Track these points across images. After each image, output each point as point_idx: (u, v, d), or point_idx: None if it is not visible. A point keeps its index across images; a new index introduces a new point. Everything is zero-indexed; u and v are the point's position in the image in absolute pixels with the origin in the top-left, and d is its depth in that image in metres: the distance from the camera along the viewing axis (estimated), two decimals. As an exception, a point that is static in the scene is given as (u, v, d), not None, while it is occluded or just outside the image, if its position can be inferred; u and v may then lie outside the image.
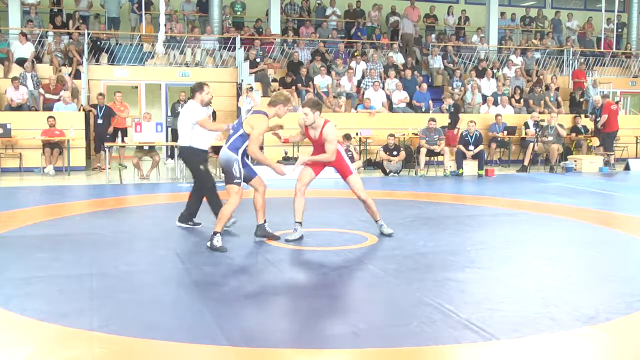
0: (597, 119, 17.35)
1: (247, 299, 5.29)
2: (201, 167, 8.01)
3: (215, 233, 7.03)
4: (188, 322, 4.65)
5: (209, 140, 8.49)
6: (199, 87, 8.05)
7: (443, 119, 16.81)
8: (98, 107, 15.55)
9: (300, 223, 7.49)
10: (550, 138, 16.27)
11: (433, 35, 22.13)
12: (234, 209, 7.13)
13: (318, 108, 7.30)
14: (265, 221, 7.49)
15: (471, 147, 15.16)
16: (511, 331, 4.47)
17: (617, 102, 19.03)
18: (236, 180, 7.08)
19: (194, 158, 8.08)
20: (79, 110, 15.87)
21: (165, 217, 8.96)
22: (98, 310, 4.90)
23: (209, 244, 6.99)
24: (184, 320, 4.70)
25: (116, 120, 15.67)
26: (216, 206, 7.87)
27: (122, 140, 14.17)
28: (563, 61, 22.47)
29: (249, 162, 7.44)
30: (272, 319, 4.78)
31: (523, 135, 17.37)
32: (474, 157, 15.16)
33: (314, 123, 7.29)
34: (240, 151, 7.11)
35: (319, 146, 7.43)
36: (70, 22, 19.17)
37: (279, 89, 17.69)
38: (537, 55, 22.54)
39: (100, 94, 15.94)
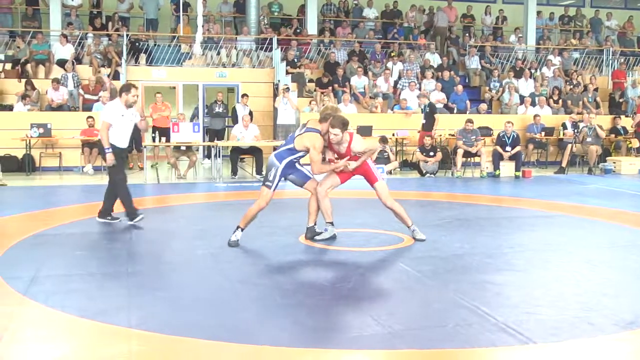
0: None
1: (283, 298, 5.32)
2: (114, 163, 8.29)
3: (238, 227, 7.21)
4: (225, 321, 4.69)
5: (125, 138, 8.50)
6: (126, 87, 8.27)
7: (480, 120, 16.69)
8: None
9: (331, 223, 7.50)
10: (589, 139, 16.06)
11: (467, 35, 21.97)
12: (260, 209, 7.20)
13: (346, 128, 7.23)
14: (315, 223, 7.55)
15: (508, 148, 15.03)
16: (549, 335, 4.42)
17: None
18: (268, 183, 7.20)
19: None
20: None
21: (202, 217, 9.03)
22: (136, 307, 4.97)
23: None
24: (221, 319, 4.73)
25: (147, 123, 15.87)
26: (125, 199, 8.46)
27: (167, 140, 14.24)
28: (602, 61, 22.17)
29: (299, 167, 7.45)
30: (308, 319, 4.79)
31: (561, 136, 17.16)
32: (511, 158, 15.01)
33: (341, 139, 7.25)
34: (285, 161, 7.20)
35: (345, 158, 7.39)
36: (110, 23, 19.42)
37: (315, 90, 17.76)
38: (576, 55, 22.26)
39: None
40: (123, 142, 8.42)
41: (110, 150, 8.14)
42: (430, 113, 15.65)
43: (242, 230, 7.26)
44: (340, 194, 9.12)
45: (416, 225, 7.58)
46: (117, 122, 8.20)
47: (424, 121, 15.82)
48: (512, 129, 15.26)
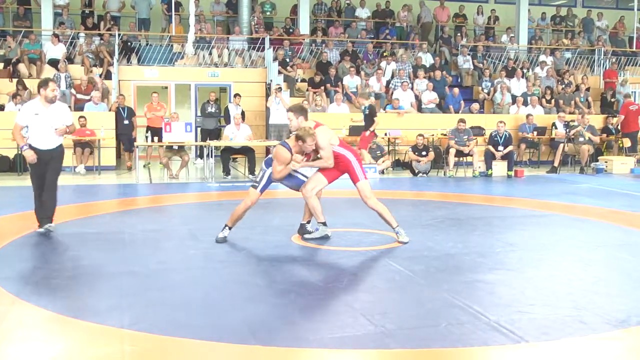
0: None
1: (275, 298, 5.32)
2: (34, 160, 7.67)
3: (225, 226, 7.40)
4: (218, 321, 4.68)
5: (42, 139, 7.74)
6: (43, 83, 7.72)
7: (472, 120, 16.72)
8: (120, 108, 15.74)
9: (323, 223, 7.51)
10: (581, 139, 16.11)
11: (459, 35, 21.99)
12: (246, 208, 7.31)
13: (302, 113, 7.27)
14: (309, 222, 7.59)
15: (500, 148, 15.05)
16: (541, 334, 4.44)
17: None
18: (255, 184, 7.35)
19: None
20: (109, 110, 16.04)
21: (194, 217, 9.03)
22: (128, 308, 4.96)
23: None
24: (213, 319, 4.73)
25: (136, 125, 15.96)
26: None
27: (160, 140, 14.21)
28: (594, 61, 22.24)
29: (296, 174, 7.45)
30: (300, 319, 4.79)
31: (552, 135, 17.20)
32: (503, 157, 15.04)
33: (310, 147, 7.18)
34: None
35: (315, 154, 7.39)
36: (102, 23, 19.38)
37: (307, 90, 17.75)
38: (568, 55, 22.32)
39: (121, 95, 16.18)
40: (40, 143, 7.71)
41: (27, 147, 7.58)
42: (369, 115, 15.11)
43: (230, 228, 7.36)
44: (333, 193, 9.13)
45: (401, 227, 7.42)
46: (31, 122, 7.65)
47: (363, 122, 15.33)
48: (504, 129, 15.30)
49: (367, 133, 15.06)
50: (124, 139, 15.81)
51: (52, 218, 7.79)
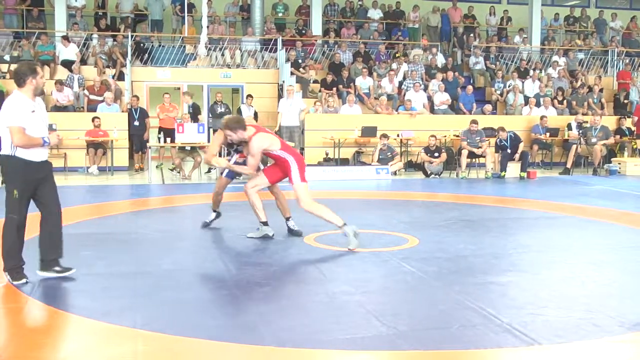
0: None
1: (287, 299, 5.33)
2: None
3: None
4: (230, 322, 4.70)
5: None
6: (31, 70, 5.71)
7: (485, 121, 16.66)
8: (133, 110, 15.76)
9: (264, 223, 7.62)
10: (595, 140, 16.04)
11: (472, 36, 21.92)
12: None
13: (239, 127, 7.36)
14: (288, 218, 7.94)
15: (508, 151, 15.00)
16: (554, 336, 4.42)
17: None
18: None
19: None
20: (122, 111, 16.10)
21: (205, 217, 9.01)
22: (141, 308, 4.98)
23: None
24: (226, 320, 4.74)
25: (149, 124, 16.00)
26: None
27: (172, 141, 14.23)
28: (607, 62, 22.13)
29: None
30: (313, 320, 4.79)
31: (566, 137, 17.12)
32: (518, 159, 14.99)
33: (244, 139, 7.40)
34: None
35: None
36: (121, 25, 19.46)
37: (320, 91, 17.76)
38: (581, 55, 22.22)
39: (134, 96, 16.18)
40: (37, 151, 5.68)
41: (48, 142, 5.71)
42: (194, 113, 15.75)
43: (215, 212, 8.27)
44: (346, 194, 9.12)
45: (352, 228, 7.11)
46: (28, 124, 5.57)
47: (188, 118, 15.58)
48: (505, 134, 15.20)
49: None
50: (135, 140, 15.85)
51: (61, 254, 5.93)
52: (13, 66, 17.24)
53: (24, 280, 5.61)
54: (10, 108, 5.56)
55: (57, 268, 5.79)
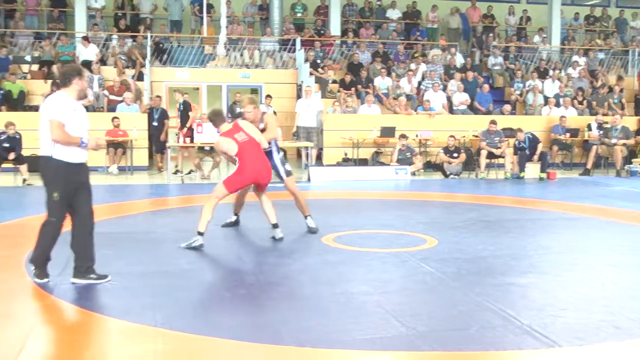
0: None
1: (306, 299, 5.33)
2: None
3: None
4: (249, 321, 4.71)
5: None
6: (77, 71, 5.79)
7: (504, 121, 16.59)
8: (153, 110, 15.79)
9: (201, 233, 7.28)
10: (615, 141, 15.91)
11: (491, 36, 21.81)
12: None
13: (218, 120, 7.70)
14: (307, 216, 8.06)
15: (527, 152, 14.92)
16: (574, 338, 4.40)
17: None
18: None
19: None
20: (142, 111, 16.18)
21: (225, 218, 9.04)
22: (161, 307, 5.00)
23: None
24: (245, 319, 4.76)
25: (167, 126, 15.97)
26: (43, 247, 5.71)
27: (191, 141, 14.27)
28: (628, 62, 21.95)
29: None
30: (332, 320, 4.79)
31: (586, 137, 16.99)
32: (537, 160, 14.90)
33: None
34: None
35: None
36: (141, 25, 19.57)
37: (338, 91, 17.76)
38: (601, 55, 22.06)
39: (157, 97, 16.20)
40: (76, 153, 5.66)
41: (85, 144, 5.69)
42: (184, 110, 15.36)
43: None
44: (364, 195, 9.12)
45: (199, 233, 7.19)
46: (69, 122, 5.57)
47: (178, 120, 15.37)
48: (523, 135, 15.10)
49: (185, 130, 14.80)
50: (154, 140, 15.88)
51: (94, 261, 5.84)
52: (34, 66, 17.43)
53: (46, 280, 5.62)
54: (53, 103, 5.57)
55: (92, 276, 5.71)
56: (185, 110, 15.56)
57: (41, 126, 5.56)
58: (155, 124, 15.59)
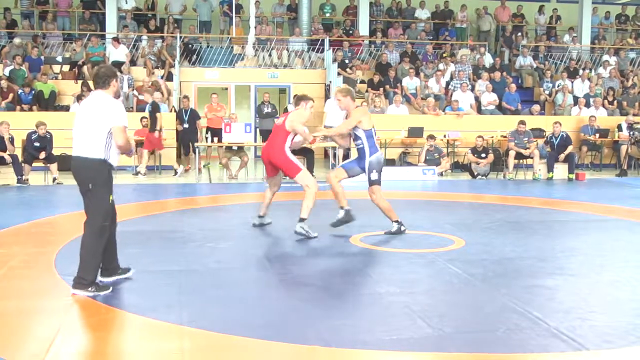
0: None
1: (333, 299, 5.34)
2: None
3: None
4: (275, 320, 4.73)
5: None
6: (112, 73, 5.66)
7: (533, 122, 16.46)
8: (183, 111, 15.73)
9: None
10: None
11: (520, 35, 21.63)
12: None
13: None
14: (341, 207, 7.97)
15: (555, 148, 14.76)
16: (602, 342, 4.35)
17: None
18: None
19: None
20: (170, 111, 16.29)
21: (253, 217, 9.10)
22: (187, 305, 5.04)
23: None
24: (271, 319, 4.77)
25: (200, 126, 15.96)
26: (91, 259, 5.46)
27: (219, 140, 14.35)
28: (660, 61, 21.68)
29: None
30: (358, 320, 4.80)
31: (616, 138, 16.80)
32: (564, 160, 14.72)
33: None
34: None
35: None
36: (165, 26, 19.73)
37: (366, 91, 17.75)
38: (632, 55, 21.79)
39: (185, 97, 16.14)
40: (117, 158, 5.63)
41: (132, 151, 5.79)
42: (153, 112, 14.74)
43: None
44: (392, 195, 9.10)
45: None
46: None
47: (148, 122, 14.87)
48: (560, 129, 14.92)
49: (157, 134, 14.67)
50: (184, 142, 15.86)
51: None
52: (65, 67, 17.64)
53: (110, 290, 5.43)
54: (113, 107, 5.42)
55: (119, 271, 5.76)
56: (153, 111, 14.82)
57: (85, 127, 5.45)
58: (186, 125, 15.56)
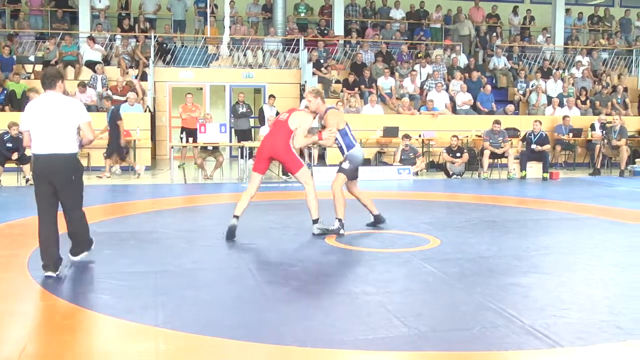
0: None
1: (308, 299, 5.33)
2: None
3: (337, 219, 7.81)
4: (252, 321, 4.71)
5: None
6: (59, 74, 6.12)
7: (507, 121, 16.57)
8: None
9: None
10: (615, 141, 15.85)
11: (494, 35, 21.77)
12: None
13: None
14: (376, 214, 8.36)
15: (533, 146, 14.78)
16: (576, 339, 4.39)
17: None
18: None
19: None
20: (145, 111, 16.18)
21: (228, 217, 9.05)
22: (162, 306, 5.00)
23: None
24: (247, 319, 4.75)
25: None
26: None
27: (194, 141, 14.28)
28: (632, 61, 21.91)
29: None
30: (333, 320, 4.79)
31: (589, 137, 16.97)
32: (538, 159, 14.80)
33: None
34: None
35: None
36: (137, 25, 19.58)
37: (341, 91, 17.77)
38: (605, 55, 22.03)
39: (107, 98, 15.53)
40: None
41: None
42: (113, 120, 14.22)
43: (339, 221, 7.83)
44: (367, 195, 9.11)
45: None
46: None
47: (108, 127, 14.42)
48: (539, 128, 14.98)
49: (122, 142, 14.35)
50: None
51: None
52: (38, 67, 17.46)
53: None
54: (77, 105, 6.04)
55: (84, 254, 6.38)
56: (113, 120, 14.20)
57: (57, 126, 5.83)
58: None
